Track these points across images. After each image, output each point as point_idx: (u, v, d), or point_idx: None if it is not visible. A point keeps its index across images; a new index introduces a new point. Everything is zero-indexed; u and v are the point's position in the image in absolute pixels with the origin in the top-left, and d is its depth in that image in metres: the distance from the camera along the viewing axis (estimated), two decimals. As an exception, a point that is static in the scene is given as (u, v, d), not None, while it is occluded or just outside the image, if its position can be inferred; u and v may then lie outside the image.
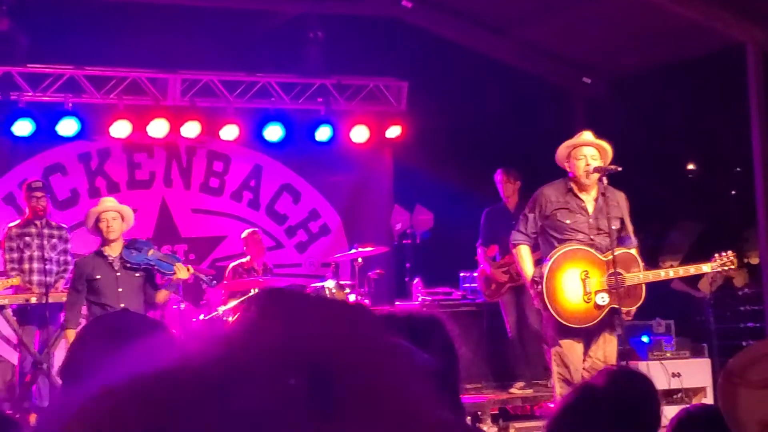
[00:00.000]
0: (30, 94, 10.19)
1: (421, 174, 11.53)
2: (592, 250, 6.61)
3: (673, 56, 11.04)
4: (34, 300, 8.56)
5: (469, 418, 7.94)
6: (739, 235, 11.73)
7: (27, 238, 8.98)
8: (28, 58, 10.07)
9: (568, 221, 6.67)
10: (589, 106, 11.93)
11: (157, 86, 10.75)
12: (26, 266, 8.91)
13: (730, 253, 6.83)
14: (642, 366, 8.68)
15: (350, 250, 9.80)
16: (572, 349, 6.65)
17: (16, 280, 8.68)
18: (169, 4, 10.54)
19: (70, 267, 9.05)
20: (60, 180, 10.57)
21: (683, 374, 8.84)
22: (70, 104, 10.24)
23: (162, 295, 7.62)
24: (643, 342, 9.16)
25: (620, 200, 6.82)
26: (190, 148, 11.14)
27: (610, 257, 6.54)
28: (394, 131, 11.46)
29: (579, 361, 6.64)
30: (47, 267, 8.61)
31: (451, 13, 11.32)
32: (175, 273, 7.47)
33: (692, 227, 12.65)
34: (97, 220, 7.51)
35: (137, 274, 7.49)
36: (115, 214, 7.56)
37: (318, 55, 10.81)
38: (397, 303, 9.79)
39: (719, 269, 6.86)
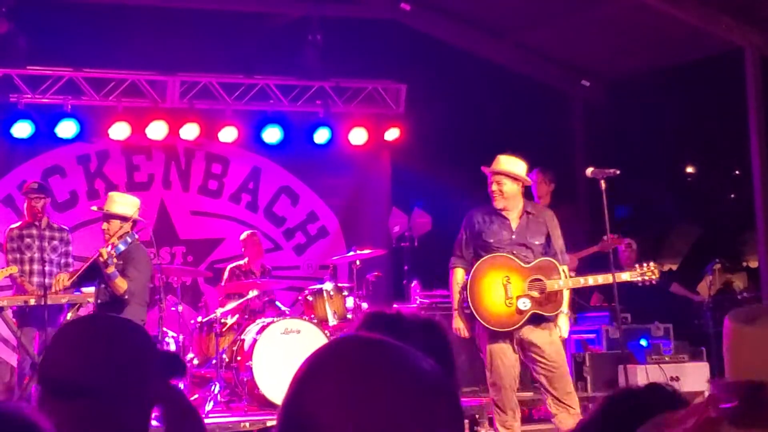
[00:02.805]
0: (29, 96, 10.20)
1: (420, 177, 11.53)
2: (513, 257, 6.83)
3: (672, 60, 11.06)
4: (33, 302, 8.55)
5: (467, 421, 7.95)
6: (738, 238, 11.76)
7: (27, 240, 8.98)
8: (27, 60, 10.07)
9: (491, 240, 6.90)
10: (588, 109, 11.95)
11: (156, 88, 10.76)
12: (26, 267, 8.91)
13: (652, 264, 7.11)
14: (640, 370, 8.69)
15: (348, 253, 9.80)
16: (501, 352, 6.75)
17: (13, 269, 8.67)
18: (168, 6, 10.55)
19: (71, 269, 9.06)
20: (59, 182, 10.57)
21: (682, 378, 8.84)
22: (69, 106, 10.26)
23: (114, 287, 7.59)
24: (641, 346, 9.17)
25: (547, 219, 7.04)
26: (188, 150, 11.15)
27: (532, 264, 6.82)
28: (392, 134, 11.47)
29: (510, 365, 6.74)
30: (47, 269, 8.60)
31: (450, 16, 11.34)
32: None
33: (691, 230, 12.68)
34: (102, 218, 7.75)
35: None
36: (114, 219, 7.69)
37: (316, 57, 10.82)
38: (395, 305, 9.79)
39: (639, 278, 7.12)
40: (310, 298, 9.16)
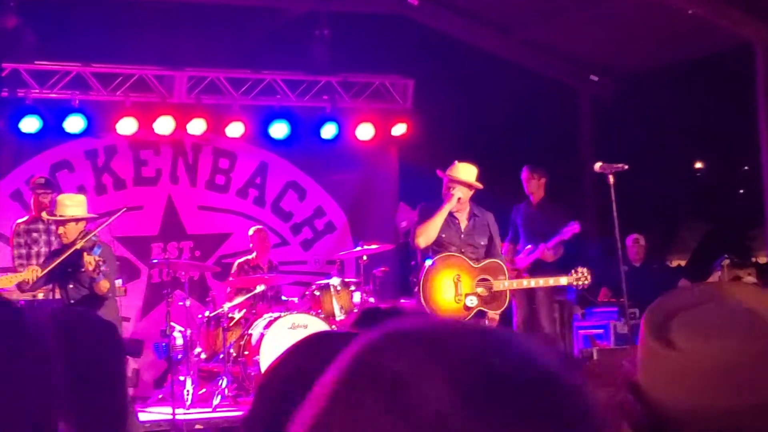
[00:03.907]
0: (37, 91, 10.21)
1: (427, 172, 11.50)
2: (464, 257, 7.43)
3: (681, 55, 11.02)
4: (41, 296, 8.56)
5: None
6: (747, 233, 11.73)
7: (34, 234, 9.00)
8: (35, 55, 10.08)
9: (443, 234, 7.47)
10: (596, 105, 11.92)
11: (164, 83, 10.76)
12: (34, 262, 8.92)
13: (585, 270, 7.79)
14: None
15: (355, 248, 9.79)
16: None
17: (29, 274, 8.63)
18: (175, 1, 10.54)
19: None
20: (67, 177, 10.58)
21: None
22: (77, 101, 10.26)
23: (97, 287, 7.53)
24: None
25: (489, 221, 7.68)
26: (196, 146, 11.15)
27: (481, 265, 7.42)
28: (399, 129, 11.45)
29: None
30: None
31: (458, 11, 11.31)
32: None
33: (699, 226, 12.65)
34: (56, 222, 7.69)
35: (82, 270, 7.56)
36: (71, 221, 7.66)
37: (324, 52, 10.81)
38: (402, 301, 9.78)
39: (574, 283, 7.83)
40: (317, 293, 9.16)
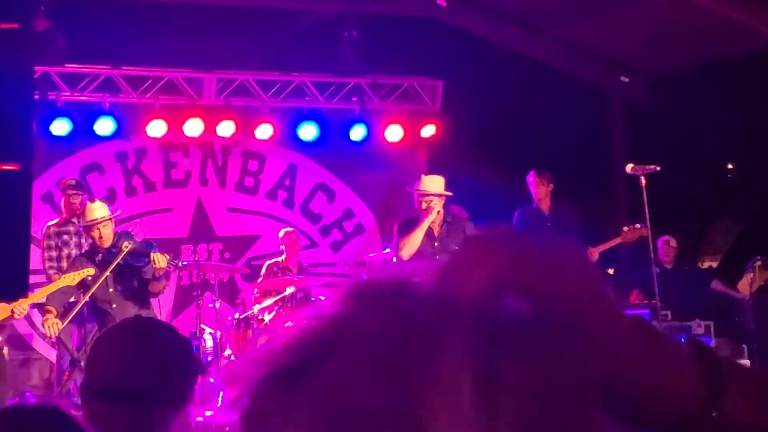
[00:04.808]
0: (68, 93, 10.26)
1: (456, 173, 11.45)
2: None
3: (713, 55, 10.91)
4: (72, 299, 8.60)
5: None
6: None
7: (65, 237, 9.04)
8: (65, 58, 10.14)
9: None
10: (627, 106, 11.83)
11: (193, 86, 10.79)
12: (64, 264, 8.95)
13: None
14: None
15: (385, 250, 9.76)
16: None
17: (90, 271, 8.63)
18: (204, 4, 10.57)
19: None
20: (97, 179, 10.63)
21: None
22: (107, 104, 10.31)
23: (156, 286, 7.74)
24: (681, 343, 9.05)
25: (466, 227, 7.90)
26: (225, 148, 11.17)
27: None
28: (428, 130, 11.42)
29: None
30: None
31: (487, 11, 11.26)
32: (153, 263, 7.54)
33: (731, 227, 12.51)
34: (89, 228, 7.69)
35: (125, 272, 7.64)
36: (106, 221, 7.71)
37: (352, 54, 10.79)
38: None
39: None
40: (346, 295, 9.13)
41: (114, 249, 7.62)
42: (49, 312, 7.56)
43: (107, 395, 1.98)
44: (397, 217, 11.58)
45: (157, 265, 7.52)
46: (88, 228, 7.71)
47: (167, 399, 1.99)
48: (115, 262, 7.50)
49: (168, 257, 7.61)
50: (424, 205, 7.79)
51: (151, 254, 7.51)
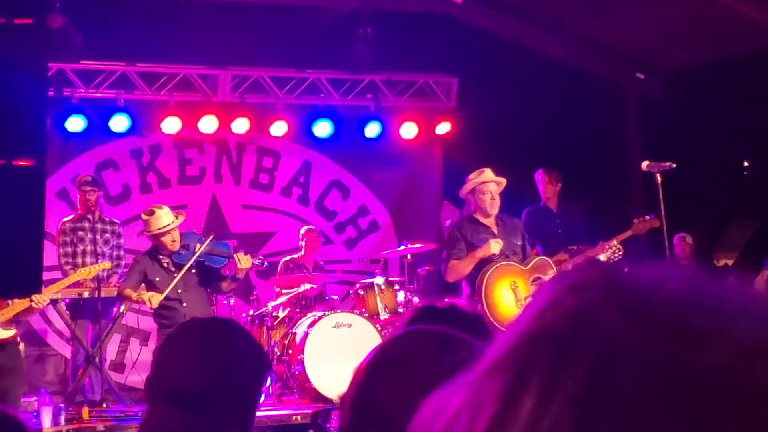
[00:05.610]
0: (83, 90, 10.30)
1: (471, 171, 11.43)
2: (514, 262, 7.63)
3: (728, 52, 10.85)
4: (86, 294, 8.63)
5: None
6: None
7: (80, 233, 9.06)
8: (80, 54, 10.17)
9: (478, 244, 7.64)
10: (643, 103, 11.78)
11: (208, 83, 10.80)
12: (79, 260, 8.99)
13: (616, 242, 8.02)
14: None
15: (399, 247, 9.75)
16: None
17: (107, 264, 8.67)
18: (220, 1, 10.58)
19: (123, 262, 9.13)
20: (112, 175, 10.67)
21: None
22: (122, 100, 10.34)
23: (227, 285, 7.92)
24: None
25: (518, 225, 7.99)
26: (239, 144, 11.19)
27: (530, 265, 7.65)
28: (443, 128, 11.40)
29: None
30: (100, 261, 8.68)
31: (502, 8, 11.23)
32: (236, 263, 7.69)
33: (747, 224, 12.45)
34: (161, 234, 7.73)
35: (192, 271, 7.72)
36: (175, 226, 7.83)
37: (367, 51, 10.78)
38: (445, 299, 9.73)
39: (611, 257, 7.90)
40: (361, 292, 9.14)
41: (182, 250, 7.72)
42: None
43: (173, 396, 1.95)
44: (412, 214, 11.61)
45: (241, 266, 7.66)
46: (160, 235, 7.75)
47: (236, 402, 1.98)
48: (189, 264, 7.62)
49: (250, 257, 7.76)
50: (487, 197, 7.66)
51: (234, 255, 7.66)
